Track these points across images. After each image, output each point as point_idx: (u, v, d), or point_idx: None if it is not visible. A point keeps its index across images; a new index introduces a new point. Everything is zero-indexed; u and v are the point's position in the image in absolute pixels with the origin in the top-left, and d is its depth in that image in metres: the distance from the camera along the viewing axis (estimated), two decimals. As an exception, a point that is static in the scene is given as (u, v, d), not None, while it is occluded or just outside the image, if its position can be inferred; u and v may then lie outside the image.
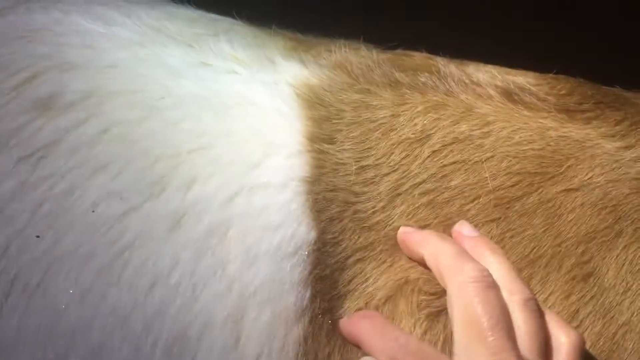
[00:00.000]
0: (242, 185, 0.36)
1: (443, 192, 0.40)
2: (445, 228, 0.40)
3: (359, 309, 0.37)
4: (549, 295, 0.39)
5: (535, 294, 0.37)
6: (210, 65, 0.41)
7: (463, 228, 0.39)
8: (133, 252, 0.34)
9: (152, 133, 0.36)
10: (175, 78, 0.39)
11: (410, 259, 0.38)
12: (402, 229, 0.39)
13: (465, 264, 0.35)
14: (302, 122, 0.40)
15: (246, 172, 0.37)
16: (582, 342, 0.36)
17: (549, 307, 0.39)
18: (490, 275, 0.35)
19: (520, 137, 0.43)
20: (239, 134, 0.38)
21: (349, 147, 0.40)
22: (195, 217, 0.35)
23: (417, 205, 0.39)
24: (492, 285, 0.35)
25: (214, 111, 0.39)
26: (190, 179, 0.36)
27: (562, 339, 0.35)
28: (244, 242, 0.35)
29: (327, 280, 0.37)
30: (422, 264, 0.38)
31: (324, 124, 0.40)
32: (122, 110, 0.37)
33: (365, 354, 0.35)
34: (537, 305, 0.36)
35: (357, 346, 0.36)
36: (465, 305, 0.34)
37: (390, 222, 0.39)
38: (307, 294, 0.36)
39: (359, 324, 0.36)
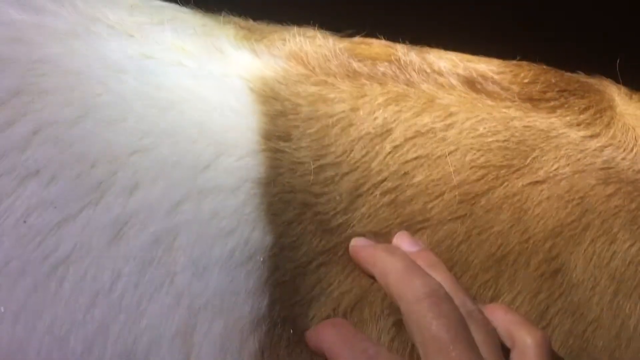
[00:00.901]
0: (189, 189, 0.34)
1: (405, 190, 0.38)
2: (407, 228, 0.38)
3: (326, 317, 0.35)
4: (517, 294, 0.38)
5: (476, 304, 0.36)
6: (154, 58, 0.38)
7: (402, 242, 0.37)
8: (70, 266, 0.31)
9: (89, 134, 0.33)
10: (114, 73, 0.36)
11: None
12: (352, 244, 0.37)
13: (415, 280, 0.34)
14: (255, 118, 0.38)
15: (194, 175, 0.34)
16: (548, 341, 0.35)
17: (517, 307, 0.37)
18: (441, 287, 0.34)
19: (485, 129, 0.42)
20: (185, 134, 0.35)
21: (306, 144, 0.38)
22: (139, 226, 0.32)
23: (378, 205, 0.37)
24: (445, 298, 0.34)
25: (157, 108, 0.36)
26: (132, 184, 0.33)
27: (528, 341, 0.34)
28: (193, 251, 0.33)
29: (288, 286, 0.35)
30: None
31: (279, 120, 0.38)
32: (55, 109, 0.34)
33: None
34: (481, 313, 0.35)
35: (325, 358, 0.34)
36: (420, 322, 0.33)
37: (352, 224, 0.37)
38: (265, 302, 0.34)
39: (325, 333, 0.34)
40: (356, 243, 0.37)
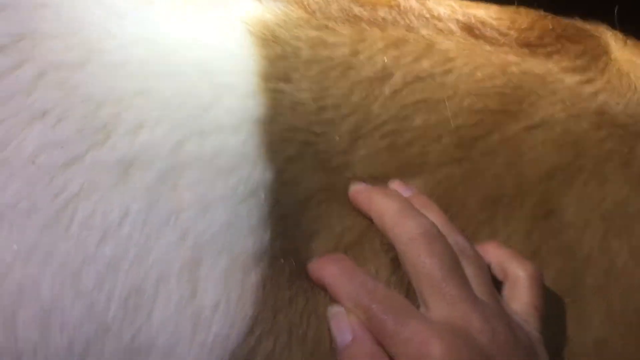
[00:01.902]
0: (192, 129, 0.34)
1: (404, 134, 0.39)
2: (405, 171, 0.39)
3: (327, 252, 0.36)
4: (512, 233, 0.39)
5: (469, 241, 0.37)
6: (153, 3, 0.38)
7: (397, 188, 0.38)
8: (79, 204, 0.32)
9: (93, 77, 0.33)
10: (115, 19, 0.36)
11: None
12: (352, 189, 0.38)
13: (409, 220, 0.35)
14: (255, 61, 0.38)
15: (196, 115, 0.34)
16: (539, 273, 0.36)
17: (511, 246, 0.39)
18: (434, 226, 0.35)
19: (482, 74, 0.42)
20: (187, 76, 0.35)
21: (306, 86, 0.38)
22: (144, 165, 0.33)
23: (377, 148, 0.38)
24: (438, 237, 0.35)
25: (159, 53, 0.36)
26: (136, 124, 0.33)
27: (520, 273, 0.36)
28: (197, 188, 0.33)
29: (288, 220, 0.36)
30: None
31: (280, 63, 0.38)
32: (59, 53, 0.34)
33: (333, 299, 0.35)
34: (472, 249, 0.36)
35: (325, 289, 0.35)
36: (415, 260, 0.34)
37: (352, 166, 0.38)
38: (266, 236, 0.35)
39: (326, 267, 0.35)
40: (355, 187, 0.38)
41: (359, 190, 0.37)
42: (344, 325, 0.34)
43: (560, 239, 0.39)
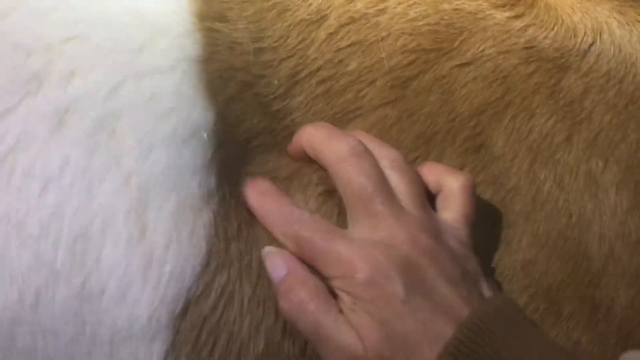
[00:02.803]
0: (126, 73, 0.34)
1: (339, 79, 0.40)
2: (341, 117, 0.40)
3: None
4: (445, 168, 0.41)
5: (402, 154, 0.38)
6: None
7: None
8: (18, 155, 0.32)
9: (21, 25, 0.33)
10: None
11: (297, 153, 0.38)
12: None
13: (337, 142, 0.36)
14: (188, 0, 0.38)
15: (130, 59, 0.34)
16: (472, 183, 0.39)
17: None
18: (361, 144, 0.37)
19: (415, 13, 0.43)
20: (118, 19, 0.35)
21: (243, 26, 0.38)
22: (80, 112, 0.33)
23: (314, 95, 0.39)
24: (366, 155, 0.36)
25: (88, -3, 0.35)
26: (68, 72, 0.33)
27: (453, 184, 0.38)
28: (137, 132, 0.34)
29: (231, 161, 0.37)
30: (305, 157, 0.38)
31: (213, 2, 0.38)
32: (-15, 0, 0.33)
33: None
34: (405, 162, 0.38)
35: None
36: (345, 179, 0.36)
37: (290, 112, 0.39)
38: (213, 177, 0.36)
39: (256, 200, 0.37)
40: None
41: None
42: (277, 261, 0.36)
43: (489, 171, 0.41)
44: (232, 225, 0.36)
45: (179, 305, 0.34)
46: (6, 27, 0.33)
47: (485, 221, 0.40)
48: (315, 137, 0.37)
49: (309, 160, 0.38)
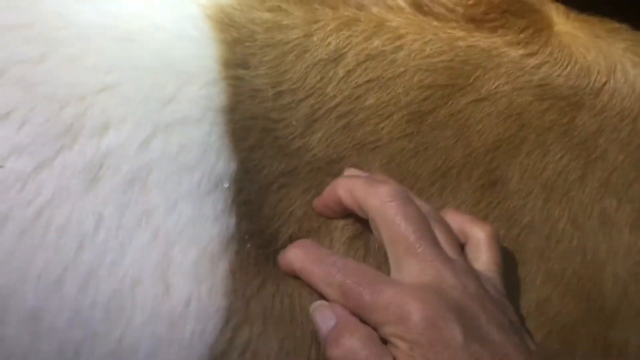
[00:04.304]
0: (157, 124, 0.35)
1: (358, 114, 0.41)
2: (360, 149, 0.41)
3: (289, 234, 0.38)
4: (460, 203, 0.42)
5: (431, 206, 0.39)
6: (108, -13, 0.38)
7: (354, 172, 0.40)
8: (53, 210, 0.32)
9: (54, 73, 0.33)
10: (71, 4, 0.36)
11: (327, 208, 0.39)
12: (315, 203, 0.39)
13: (379, 188, 0.36)
14: (214, 46, 0.39)
15: (160, 108, 0.35)
16: (497, 233, 0.39)
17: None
18: (405, 190, 0.37)
19: (431, 49, 0.44)
20: (147, 66, 0.36)
21: (263, 71, 0.39)
22: (113, 167, 0.33)
23: (334, 130, 0.40)
24: (409, 200, 0.37)
25: (117, 40, 0.36)
26: (102, 124, 0.33)
27: (480, 235, 0.38)
28: (165, 186, 0.34)
29: (252, 205, 0.37)
30: (340, 205, 0.38)
31: (237, 48, 0.39)
32: (17, 47, 0.34)
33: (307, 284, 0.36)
34: (438, 214, 0.38)
35: (296, 277, 0.37)
36: (389, 224, 0.36)
37: (310, 149, 0.39)
38: (232, 222, 0.36)
39: (295, 255, 0.37)
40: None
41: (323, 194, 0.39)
42: (326, 313, 0.35)
43: (504, 207, 0.42)
44: (253, 279, 0.36)
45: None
46: (39, 75, 0.33)
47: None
48: (356, 184, 0.37)
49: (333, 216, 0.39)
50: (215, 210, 0.35)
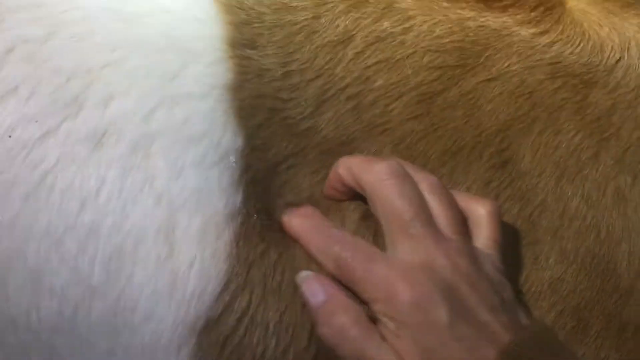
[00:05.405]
0: (161, 98, 0.35)
1: (367, 95, 0.41)
2: (370, 131, 0.40)
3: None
4: (472, 183, 0.41)
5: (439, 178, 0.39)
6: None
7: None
8: (57, 175, 0.33)
9: (61, 50, 0.34)
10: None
11: (333, 189, 0.39)
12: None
13: (377, 164, 0.36)
14: (221, 27, 0.39)
15: (165, 84, 0.36)
16: (499, 209, 0.39)
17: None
18: (401, 167, 0.37)
19: (441, 30, 0.44)
20: (153, 45, 0.36)
21: (272, 52, 0.39)
22: (117, 135, 0.34)
23: (343, 111, 0.40)
24: (405, 177, 0.36)
25: (124, 22, 0.37)
26: (106, 95, 0.34)
27: (481, 211, 0.38)
28: (169, 155, 0.35)
29: (259, 184, 0.37)
30: (343, 184, 0.38)
31: (245, 29, 0.39)
32: (25, 27, 0.34)
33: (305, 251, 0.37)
34: (442, 187, 0.38)
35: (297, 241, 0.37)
36: (385, 200, 0.36)
37: (319, 129, 0.39)
38: (238, 197, 0.36)
39: (296, 221, 0.37)
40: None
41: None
42: (315, 286, 0.36)
43: (516, 186, 0.42)
44: (256, 246, 0.36)
45: (199, 323, 0.35)
46: (46, 51, 0.34)
47: (513, 238, 0.40)
48: (353, 162, 0.37)
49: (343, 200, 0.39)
50: (220, 183, 0.36)
